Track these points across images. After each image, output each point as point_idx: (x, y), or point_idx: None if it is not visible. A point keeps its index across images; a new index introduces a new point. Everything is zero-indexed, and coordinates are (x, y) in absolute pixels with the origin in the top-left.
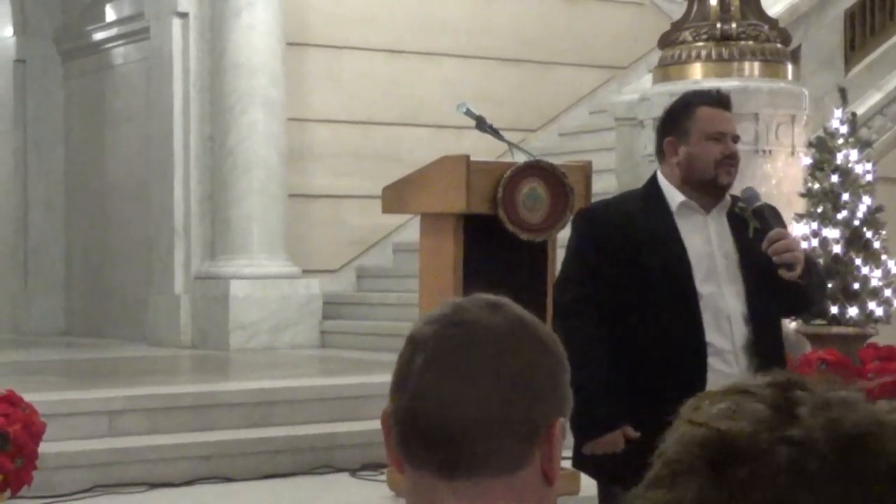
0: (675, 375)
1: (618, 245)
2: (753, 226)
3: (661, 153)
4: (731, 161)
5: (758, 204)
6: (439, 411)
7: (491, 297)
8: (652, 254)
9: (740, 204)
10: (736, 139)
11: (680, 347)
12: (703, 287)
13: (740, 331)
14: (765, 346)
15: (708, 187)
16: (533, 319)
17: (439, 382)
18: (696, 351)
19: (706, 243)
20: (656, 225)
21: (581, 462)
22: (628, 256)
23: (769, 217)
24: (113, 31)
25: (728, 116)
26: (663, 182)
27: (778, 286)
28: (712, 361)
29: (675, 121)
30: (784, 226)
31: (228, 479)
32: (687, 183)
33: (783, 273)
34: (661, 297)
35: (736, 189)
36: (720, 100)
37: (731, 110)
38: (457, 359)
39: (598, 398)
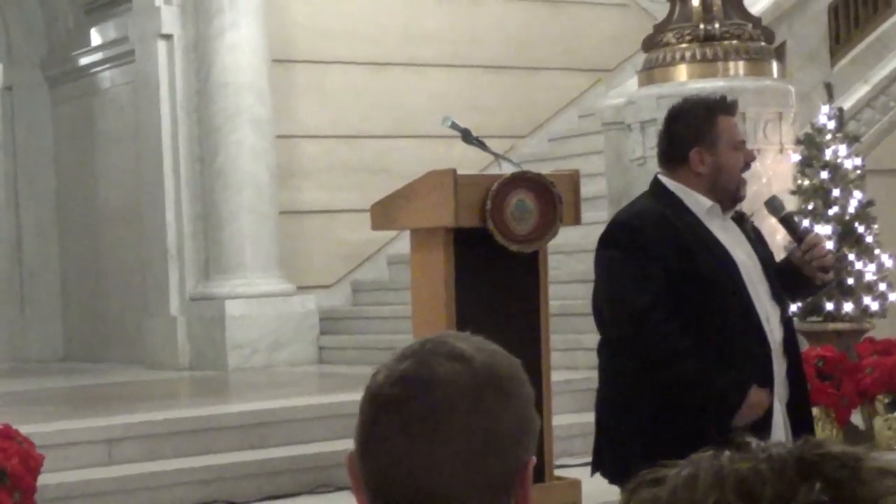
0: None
1: (669, 251)
2: (750, 228)
3: (673, 161)
4: (748, 168)
5: (784, 212)
6: (414, 479)
7: (455, 340)
8: (706, 258)
9: (737, 209)
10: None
11: (746, 349)
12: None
13: (778, 330)
14: (793, 345)
15: (727, 196)
16: (498, 360)
17: (411, 449)
18: (762, 351)
19: (735, 246)
20: (695, 230)
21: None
22: (682, 262)
23: (798, 223)
24: (98, 56)
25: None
26: (676, 187)
27: (789, 281)
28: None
29: (699, 130)
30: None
31: (230, 503)
32: (711, 191)
33: (819, 276)
34: (721, 299)
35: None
36: (732, 106)
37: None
38: (427, 425)
39: (712, 373)
